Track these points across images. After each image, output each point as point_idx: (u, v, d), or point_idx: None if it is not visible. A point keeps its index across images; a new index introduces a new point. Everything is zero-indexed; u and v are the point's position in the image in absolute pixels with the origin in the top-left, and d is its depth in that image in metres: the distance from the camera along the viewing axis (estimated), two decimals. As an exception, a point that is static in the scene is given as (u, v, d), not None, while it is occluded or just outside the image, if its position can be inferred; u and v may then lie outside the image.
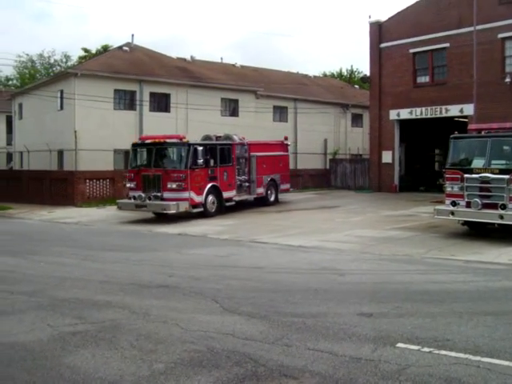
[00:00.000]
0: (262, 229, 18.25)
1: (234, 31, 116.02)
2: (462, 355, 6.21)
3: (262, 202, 26.06)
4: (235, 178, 24.05)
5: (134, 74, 34.74)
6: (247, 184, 25.12)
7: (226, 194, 23.13)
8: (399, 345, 6.58)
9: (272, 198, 26.91)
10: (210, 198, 22.11)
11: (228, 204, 23.41)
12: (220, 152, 22.98)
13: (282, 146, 28.38)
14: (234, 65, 47.95)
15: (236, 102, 39.75)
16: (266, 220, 21.29)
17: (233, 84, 39.81)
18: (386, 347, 6.52)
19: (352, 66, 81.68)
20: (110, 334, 7.11)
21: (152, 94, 35.60)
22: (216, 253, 13.73)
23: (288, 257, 13.31)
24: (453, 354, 6.27)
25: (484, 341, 6.70)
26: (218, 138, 24.55)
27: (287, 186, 28.60)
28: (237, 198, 24.20)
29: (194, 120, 35.57)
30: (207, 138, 24.39)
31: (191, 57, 44.32)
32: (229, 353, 6.40)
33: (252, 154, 25.32)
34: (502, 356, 6.17)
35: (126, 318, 7.83)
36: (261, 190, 25.91)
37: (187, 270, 11.56)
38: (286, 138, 28.73)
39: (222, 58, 50.38)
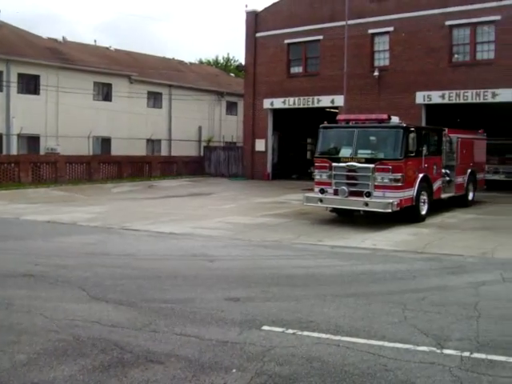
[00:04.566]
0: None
1: (104, 12, 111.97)
2: (323, 335, 6.45)
3: None
4: None
5: (-1, 52, 32.97)
6: None
7: None
8: (264, 327, 6.72)
9: None
10: None
11: None
12: None
13: None
14: (107, 48, 46.63)
15: (109, 86, 38.77)
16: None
17: (106, 68, 38.76)
18: (252, 330, 6.64)
19: (228, 54, 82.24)
20: (-34, 326, 6.75)
21: (20, 75, 33.87)
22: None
23: (159, 244, 13.22)
24: (315, 334, 6.49)
25: (345, 321, 7.00)
26: None
27: None
28: None
29: (65, 103, 34.39)
30: None
31: (63, 38, 42.58)
32: (94, 340, 6.26)
33: None
34: (361, 334, 6.48)
35: (-16, 309, 7.47)
36: None
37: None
38: None
39: (95, 41, 48.87)
